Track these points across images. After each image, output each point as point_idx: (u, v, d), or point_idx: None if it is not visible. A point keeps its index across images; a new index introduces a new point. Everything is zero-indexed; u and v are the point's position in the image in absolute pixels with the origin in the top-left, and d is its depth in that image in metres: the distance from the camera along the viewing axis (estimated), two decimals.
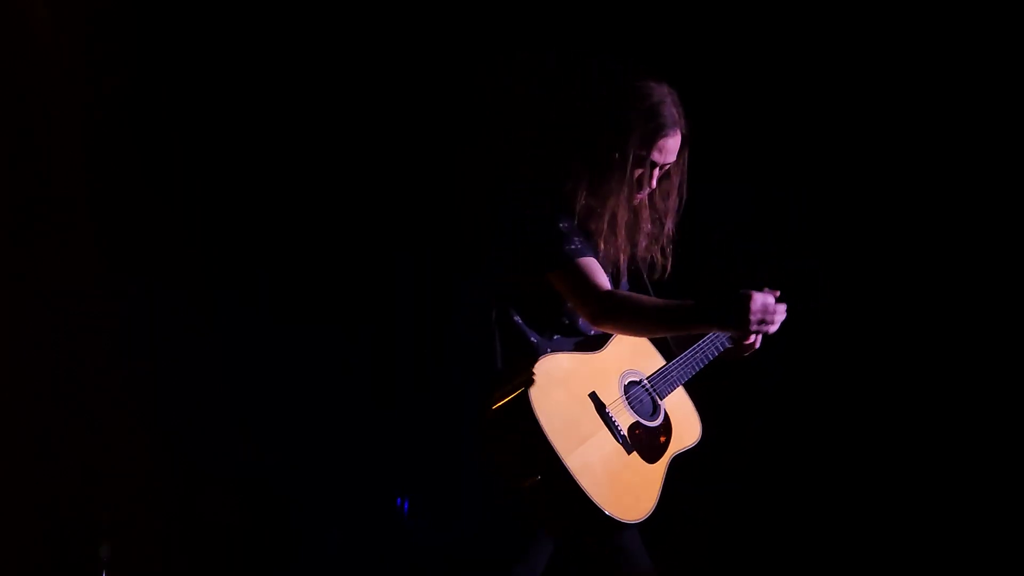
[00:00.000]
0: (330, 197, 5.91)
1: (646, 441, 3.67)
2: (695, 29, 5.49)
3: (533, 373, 3.52)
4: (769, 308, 3.53)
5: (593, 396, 3.62)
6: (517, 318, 3.64)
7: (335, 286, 5.96)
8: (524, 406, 3.46)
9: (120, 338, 5.55)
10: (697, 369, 3.93)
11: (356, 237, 5.93)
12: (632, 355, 3.83)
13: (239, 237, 5.82)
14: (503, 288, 3.68)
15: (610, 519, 3.48)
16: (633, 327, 3.59)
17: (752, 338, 3.79)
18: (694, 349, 3.93)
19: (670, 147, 3.72)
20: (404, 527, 5.96)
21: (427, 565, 5.80)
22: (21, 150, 5.41)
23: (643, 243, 3.81)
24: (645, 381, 3.80)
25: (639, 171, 3.71)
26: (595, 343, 3.75)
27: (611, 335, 3.77)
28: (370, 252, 5.94)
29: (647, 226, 3.78)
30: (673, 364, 3.89)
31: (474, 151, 5.25)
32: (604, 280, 3.63)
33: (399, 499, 5.99)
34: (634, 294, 3.71)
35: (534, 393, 3.48)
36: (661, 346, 3.97)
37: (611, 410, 3.63)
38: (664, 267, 3.87)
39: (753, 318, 3.49)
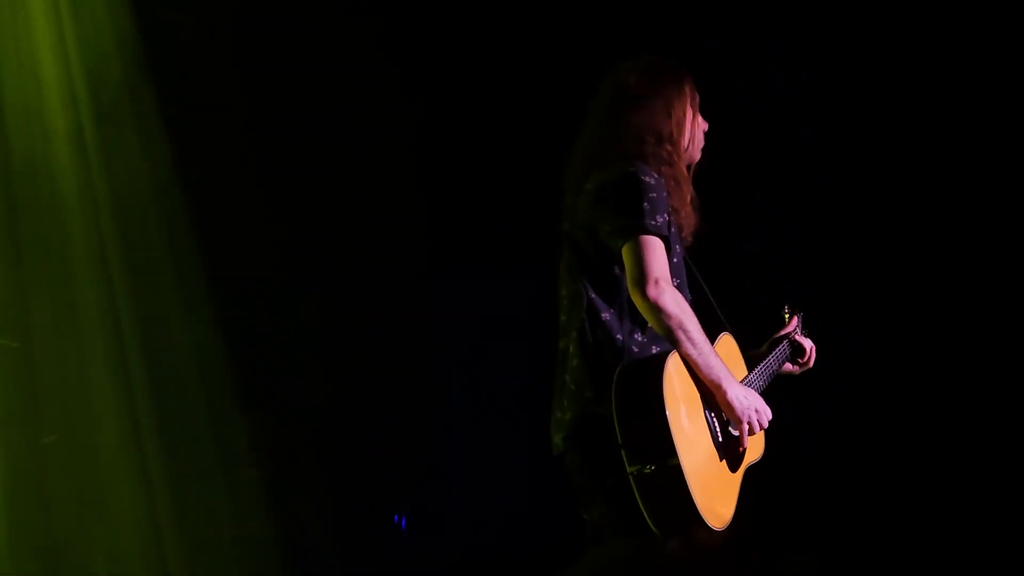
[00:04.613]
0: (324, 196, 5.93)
1: (730, 450, 3.63)
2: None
3: (665, 363, 3.47)
4: (755, 406, 3.62)
5: (703, 396, 3.58)
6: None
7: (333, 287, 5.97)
8: (656, 394, 3.39)
9: None
10: (768, 382, 3.94)
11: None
12: (727, 362, 3.73)
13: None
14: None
15: (704, 524, 3.41)
16: (667, 328, 3.50)
17: (806, 357, 4.16)
18: (767, 363, 3.98)
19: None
20: (402, 541, 5.97)
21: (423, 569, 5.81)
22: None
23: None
24: None
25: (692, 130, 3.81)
26: None
27: (712, 340, 3.69)
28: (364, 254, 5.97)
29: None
30: (753, 376, 3.90)
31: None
32: (666, 267, 3.56)
33: (396, 516, 5.98)
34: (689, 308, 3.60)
35: (666, 384, 3.43)
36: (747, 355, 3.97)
37: (711, 414, 3.59)
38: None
39: (743, 415, 3.58)
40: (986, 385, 5.44)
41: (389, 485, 6.03)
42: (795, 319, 4.23)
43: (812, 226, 5.64)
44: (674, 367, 3.51)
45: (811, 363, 4.19)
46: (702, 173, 3.88)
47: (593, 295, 3.62)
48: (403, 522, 5.99)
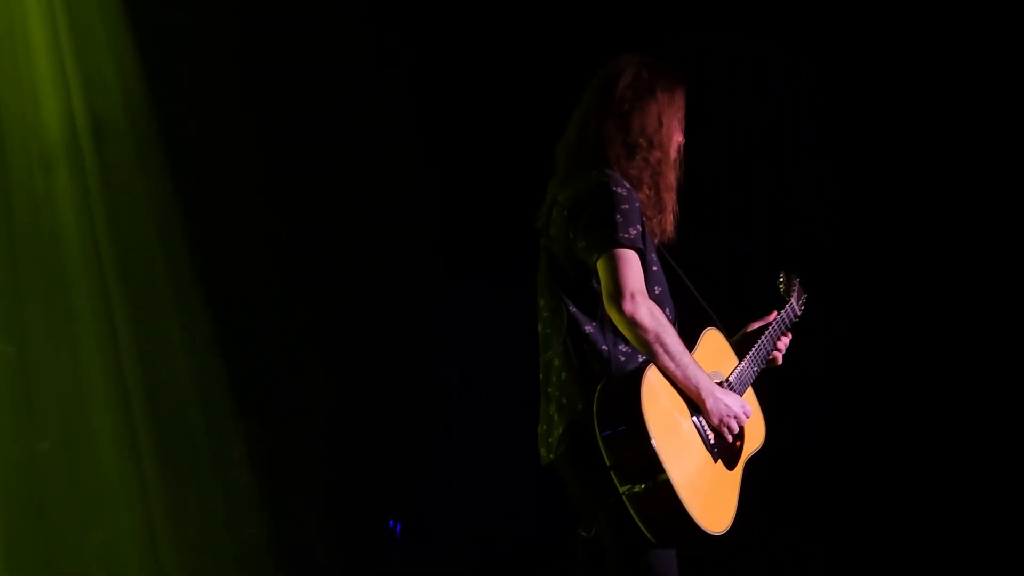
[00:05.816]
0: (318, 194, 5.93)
1: (725, 447, 3.62)
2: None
3: (643, 378, 3.45)
4: (735, 414, 3.60)
5: (688, 401, 3.55)
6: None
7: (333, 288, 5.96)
8: (636, 413, 3.38)
9: None
10: (761, 368, 3.90)
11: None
12: (715, 356, 3.77)
13: None
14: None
15: (704, 533, 3.43)
16: (644, 341, 3.48)
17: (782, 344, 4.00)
18: (760, 346, 3.92)
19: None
20: (397, 545, 5.97)
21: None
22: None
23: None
24: (725, 383, 3.75)
25: (678, 132, 3.75)
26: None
27: (697, 336, 3.72)
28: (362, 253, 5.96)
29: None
30: (746, 363, 3.86)
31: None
32: (641, 280, 3.53)
33: (391, 521, 5.99)
34: (666, 319, 3.56)
35: (645, 400, 3.42)
36: (734, 344, 3.91)
37: (699, 418, 3.57)
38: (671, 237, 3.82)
39: (726, 422, 3.58)
40: (985, 385, 5.45)
41: (388, 486, 6.03)
42: (773, 313, 4.09)
43: (812, 226, 5.64)
44: (655, 378, 3.49)
45: (782, 347, 4.04)
46: (703, 173, 3.87)
47: (573, 309, 3.60)
48: (398, 527, 5.99)
